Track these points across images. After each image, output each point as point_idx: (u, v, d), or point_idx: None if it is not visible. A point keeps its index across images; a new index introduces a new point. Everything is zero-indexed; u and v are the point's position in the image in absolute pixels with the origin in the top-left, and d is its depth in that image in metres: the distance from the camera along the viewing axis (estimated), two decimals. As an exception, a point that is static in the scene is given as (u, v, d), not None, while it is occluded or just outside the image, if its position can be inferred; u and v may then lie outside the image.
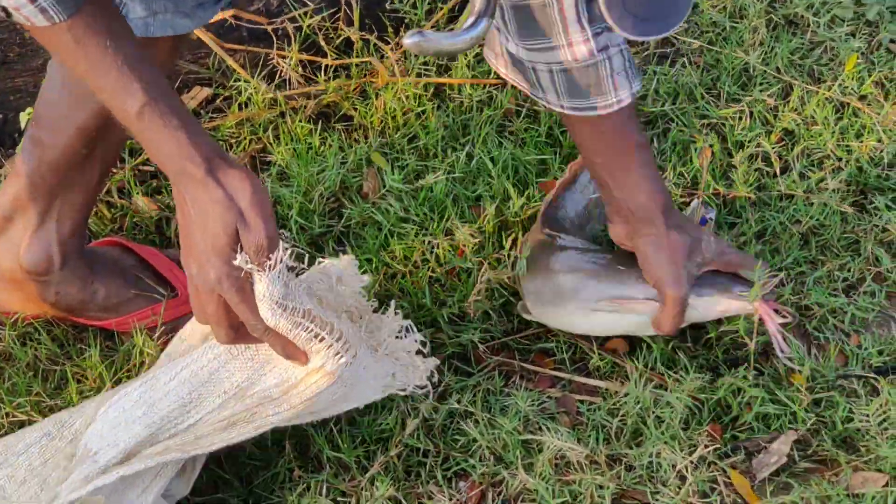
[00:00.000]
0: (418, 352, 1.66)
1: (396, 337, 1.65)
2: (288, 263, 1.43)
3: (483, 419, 1.72)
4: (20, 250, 1.78)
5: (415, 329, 1.66)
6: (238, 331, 1.48)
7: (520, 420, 1.72)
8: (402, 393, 1.66)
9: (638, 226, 1.74)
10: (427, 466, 1.69)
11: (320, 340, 1.47)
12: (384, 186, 2.00)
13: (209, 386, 1.55)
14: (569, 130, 1.75)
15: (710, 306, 1.76)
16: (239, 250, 1.41)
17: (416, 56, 2.23)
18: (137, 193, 2.03)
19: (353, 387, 1.58)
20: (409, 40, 1.45)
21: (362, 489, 1.65)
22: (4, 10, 1.31)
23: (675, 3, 1.44)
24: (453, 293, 1.87)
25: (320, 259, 1.64)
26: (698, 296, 1.74)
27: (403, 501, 1.64)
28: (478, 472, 1.68)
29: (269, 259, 1.41)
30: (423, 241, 1.91)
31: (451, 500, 1.65)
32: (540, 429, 1.71)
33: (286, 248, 1.43)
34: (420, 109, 2.16)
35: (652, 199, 1.72)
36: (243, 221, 1.40)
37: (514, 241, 1.91)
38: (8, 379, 1.77)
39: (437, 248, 1.90)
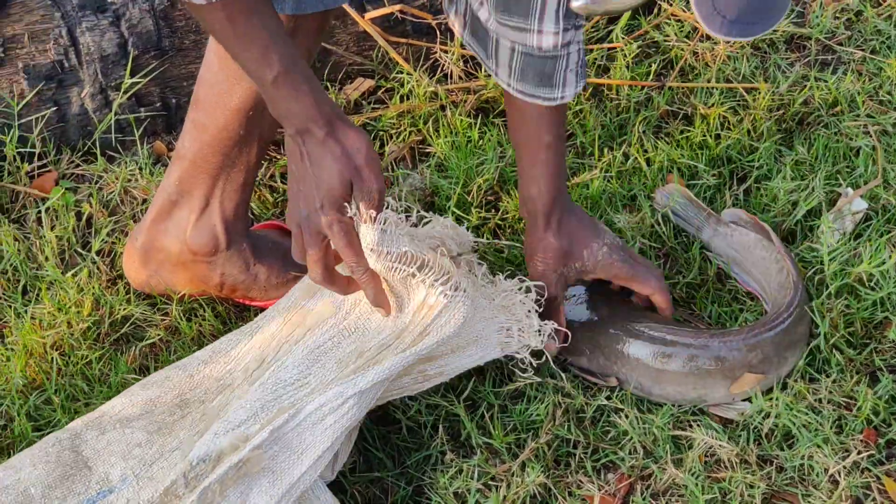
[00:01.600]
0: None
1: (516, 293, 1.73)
2: (388, 216, 1.58)
3: (633, 413, 1.73)
4: (187, 232, 1.85)
5: (532, 289, 1.74)
6: (331, 272, 1.61)
7: (671, 416, 1.72)
8: (520, 356, 1.72)
9: (525, 215, 1.80)
10: (576, 457, 1.71)
11: (413, 277, 1.60)
12: (541, 182, 2.02)
13: (323, 359, 1.64)
14: (506, 107, 1.80)
15: None
16: (352, 201, 1.56)
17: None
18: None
19: (469, 333, 1.68)
20: (577, 3, 1.50)
21: (512, 475, 1.67)
22: None
23: (768, 8, 1.43)
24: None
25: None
26: None
27: (553, 489, 1.66)
28: (627, 464, 1.69)
29: (376, 210, 1.56)
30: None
31: (599, 490, 1.66)
32: (690, 425, 1.72)
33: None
34: (578, 108, 2.18)
35: (540, 199, 1.76)
36: (358, 176, 1.54)
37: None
38: (174, 352, 1.84)
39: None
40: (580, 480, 1.67)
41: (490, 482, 1.67)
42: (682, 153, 2.09)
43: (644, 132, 2.15)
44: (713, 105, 2.18)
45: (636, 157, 2.08)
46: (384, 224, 1.57)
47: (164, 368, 1.72)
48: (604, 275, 1.79)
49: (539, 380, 1.76)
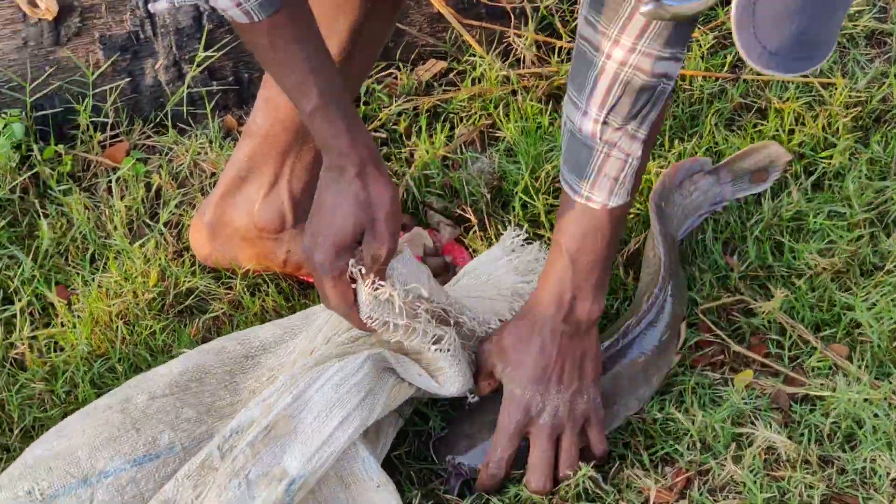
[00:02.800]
0: None
1: None
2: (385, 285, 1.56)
3: (693, 408, 1.71)
4: (255, 209, 1.86)
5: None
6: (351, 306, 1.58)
7: (731, 412, 1.71)
8: None
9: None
10: (632, 449, 1.69)
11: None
12: (610, 170, 2.01)
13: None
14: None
15: None
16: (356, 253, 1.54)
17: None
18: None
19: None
20: (645, 8, 1.39)
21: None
22: (212, 9, 1.44)
23: (813, 45, 1.31)
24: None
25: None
26: None
27: (607, 482, 1.65)
28: (685, 459, 1.67)
29: (377, 273, 1.54)
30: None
31: (656, 484, 1.65)
32: (752, 422, 1.70)
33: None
34: (650, 97, 2.16)
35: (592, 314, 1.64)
36: (373, 229, 1.52)
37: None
38: (236, 326, 1.85)
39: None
40: (636, 474, 1.66)
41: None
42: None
43: (716, 124, 2.12)
44: (788, 99, 2.15)
45: (708, 149, 2.06)
46: (378, 292, 1.55)
47: (223, 337, 1.73)
48: None
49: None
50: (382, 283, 1.55)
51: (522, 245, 1.84)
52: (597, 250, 1.62)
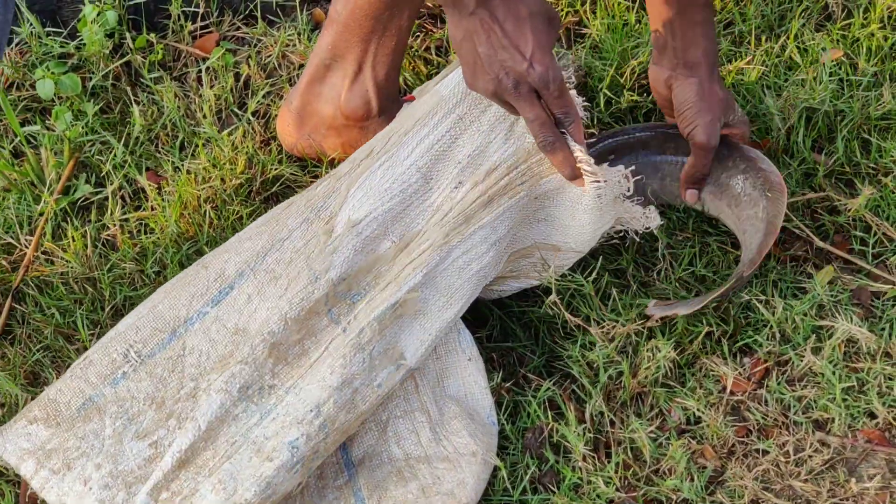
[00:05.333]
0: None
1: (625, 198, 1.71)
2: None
3: (774, 300, 1.71)
4: (341, 97, 1.88)
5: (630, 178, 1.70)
6: (559, 134, 1.60)
7: (812, 305, 1.71)
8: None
9: (683, 71, 1.76)
10: (714, 338, 1.70)
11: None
12: (696, 67, 2.00)
13: (444, 161, 1.63)
14: None
15: None
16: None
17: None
18: (454, 52, 2.09)
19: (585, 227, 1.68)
20: None
21: (646, 350, 1.68)
22: None
23: None
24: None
25: None
26: None
27: (686, 368, 1.67)
28: (763, 349, 1.68)
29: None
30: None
31: (734, 372, 1.66)
32: (833, 315, 1.70)
33: None
34: (740, -4, 2.14)
35: (706, 57, 1.74)
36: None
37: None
38: (322, 211, 1.88)
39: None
40: (714, 362, 1.67)
41: (614, 357, 1.68)
42: (841, 46, 2.03)
43: (804, 24, 2.09)
44: (882, -1, 2.12)
45: (795, 47, 2.04)
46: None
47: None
48: (739, 131, 1.81)
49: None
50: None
51: None
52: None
